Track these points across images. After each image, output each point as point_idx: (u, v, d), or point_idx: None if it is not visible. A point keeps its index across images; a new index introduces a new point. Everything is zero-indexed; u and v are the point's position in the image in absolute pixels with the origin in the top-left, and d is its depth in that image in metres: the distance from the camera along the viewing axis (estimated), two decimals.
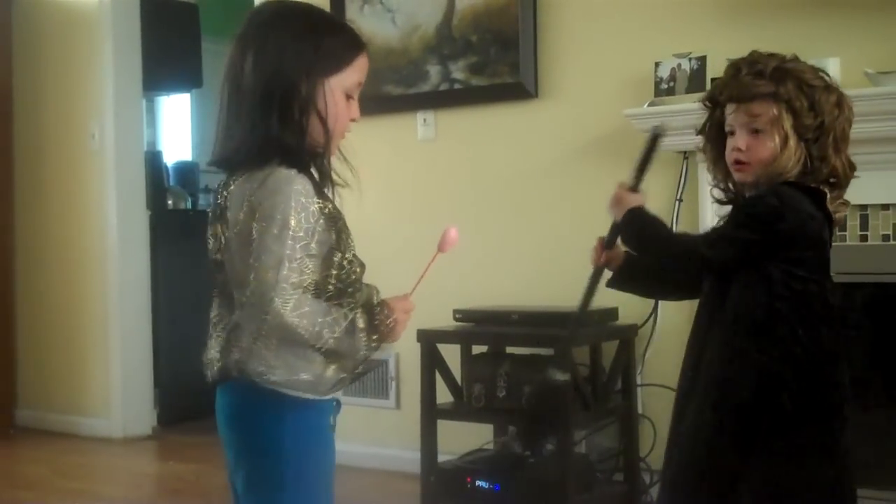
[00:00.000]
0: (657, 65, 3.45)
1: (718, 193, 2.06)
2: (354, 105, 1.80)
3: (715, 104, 2.00)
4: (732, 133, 1.95)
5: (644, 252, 2.05)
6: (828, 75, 1.96)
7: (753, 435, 1.86)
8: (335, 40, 1.77)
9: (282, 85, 1.70)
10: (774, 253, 1.87)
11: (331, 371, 1.70)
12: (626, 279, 2.12)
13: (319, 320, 1.64)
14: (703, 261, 1.93)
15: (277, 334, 1.64)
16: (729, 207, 2.05)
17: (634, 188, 2.07)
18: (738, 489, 1.86)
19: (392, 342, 1.75)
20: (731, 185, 2.02)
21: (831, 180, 1.92)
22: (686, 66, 3.39)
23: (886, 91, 2.97)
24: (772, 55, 1.94)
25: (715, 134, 2.02)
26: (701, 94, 3.30)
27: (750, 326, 1.88)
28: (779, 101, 1.88)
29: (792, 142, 1.87)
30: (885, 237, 3.16)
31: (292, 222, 1.63)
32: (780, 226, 1.85)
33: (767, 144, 1.89)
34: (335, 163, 1.79)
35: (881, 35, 3.17)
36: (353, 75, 1.77)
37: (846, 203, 1.97)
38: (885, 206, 3.14)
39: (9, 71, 5.48)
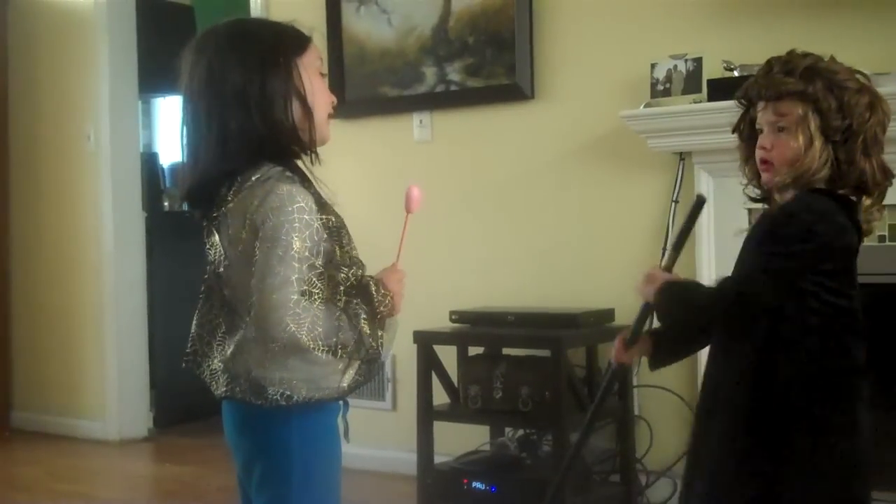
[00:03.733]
0: (653, 66, 3.45)
1: (752, 192, 2.00)
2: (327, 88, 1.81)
3: (749, 102, 1.96)
4: (762, 132, 1.91)
5: (683, 323, 1.97)
6: (865, 77, 1.92)
7: (784, 444, 1.82)
8: (286, 32, 1.78)
9: (257, 83, 1.69)
10: (811, 269, 1.81)
11: (349, 374, 1.71)
12: (667, 357, 2.04)
13: (333, 340, 1.64)
14: (741, 304, 1.82)
15: (294, 354, 1.64)
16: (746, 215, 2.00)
17: (669, 268, 1.94)
18: (774, 493, 1.82)
19: (396, 314, 1.75)
20: (761, 186, 1.96)
21: (861, 186, 1.86)
22: (682, 67, 3.39)
23: (883, 92, 2.96)
24: (808, 55, 1.90)
25: (748, 133, 1.97)
26: (697, 95, 3.34)
27: (779, 341, 1.83)
28: (806, 101, 1.84)
29: (817, 143, 1.83)
30: (881, 238, 3.17)
31: (297, 244, 1.62)
32: (815, 242, 1.79)
33: (791, 144, 1.85)
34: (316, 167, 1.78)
35: (877, 36, 3.17)
36: (314, 53, 1.78)
37: (881, 209, 1.90)
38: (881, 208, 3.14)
39: (4, 72, 5.47)
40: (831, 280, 1.83)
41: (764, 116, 1.91)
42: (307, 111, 1.73)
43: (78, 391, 5.21)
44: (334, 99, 1.82)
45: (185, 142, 1.75)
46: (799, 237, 1.80)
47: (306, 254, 1.63)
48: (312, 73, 1.76)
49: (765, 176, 1.91)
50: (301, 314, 1.60)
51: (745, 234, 1.96)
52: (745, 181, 1.99)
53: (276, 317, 1.60)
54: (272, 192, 1.65)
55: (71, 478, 4.46)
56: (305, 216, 1.64)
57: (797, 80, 1.85)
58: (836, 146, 1.84)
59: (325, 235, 1.68)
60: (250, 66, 1.70)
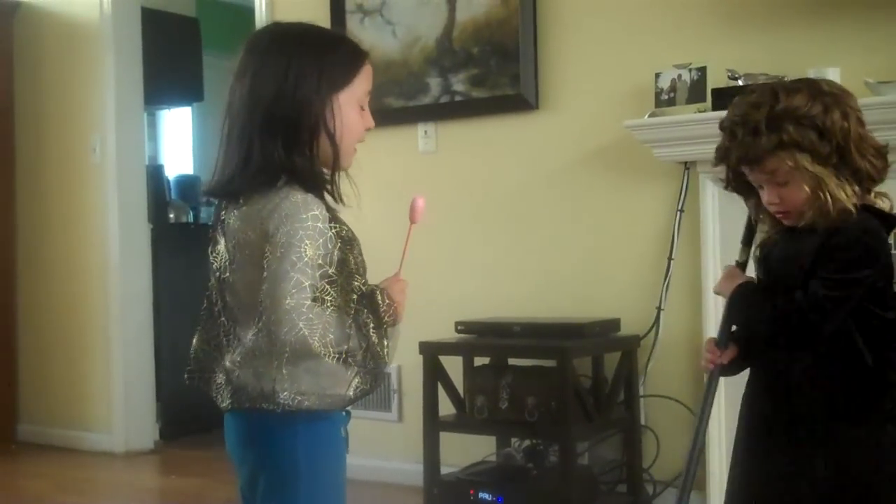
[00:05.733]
0: (657, 75, 3.45)
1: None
2: (367, 114, 1.81)
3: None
4: (762, 188, 1.89)
5: (749, 330, 1.96)
6: (825, 82, 1.89)
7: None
8: (337, 55, 1.76)
9: (287, 109, 1.69)
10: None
11: (356, 382, 1.71)
12: (741, 365, 2.02)
13: (344, 347, 1.64)
14: (805, 328, 1.82)
15: (303, 361, 1.64)
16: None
17: (743, 265, 1.99)
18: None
19: (398, 324, 1.75)
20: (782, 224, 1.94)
21: (866, 179, 1.86)
22: (686, 76, 3.39)
23: (887, 100, 2.96)
24: (757, 104, 1.84)
25: (743, 186, 1.94)
26: (701, 105, 3.34)
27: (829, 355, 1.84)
28: (788, 149, 1.80)
29: (822, 175, 1.80)
30: None
31: (310, 251, 1.62)
32: (877, 266, 1.81)
33: (798, 193, 1.82)
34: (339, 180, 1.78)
35: (881, 44, 3.17)
36: (361, 85, 1.78)
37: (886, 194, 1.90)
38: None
39: (10, 84, 5.49)
40: (876, 301, 1.84)
41: (757, 178, 1.88)
42: (334, 147, 1.73)
43: (84, 403, 5.21)
44: (371, 125, 1.81)
45: (222, 138, 1.76)
46: (861, 262, 1.80)
47: (319, 261, 1.63)
48: (351, 108, 1.75)
49: (789, 223, 1.89)
50: (314, 320, 1.60)
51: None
52: (767, 230, 1.97)
53: (288, 321, 1.59)
54: (286, 199, 1.66)
55: (77, 490, 4.46)
56: (319, 224, 1.64)
57: (768, 136, 1.81)
58: (838, 166, 1.82)
59: (339, 244, 1.68)
60: (287, 91, 1.69)
